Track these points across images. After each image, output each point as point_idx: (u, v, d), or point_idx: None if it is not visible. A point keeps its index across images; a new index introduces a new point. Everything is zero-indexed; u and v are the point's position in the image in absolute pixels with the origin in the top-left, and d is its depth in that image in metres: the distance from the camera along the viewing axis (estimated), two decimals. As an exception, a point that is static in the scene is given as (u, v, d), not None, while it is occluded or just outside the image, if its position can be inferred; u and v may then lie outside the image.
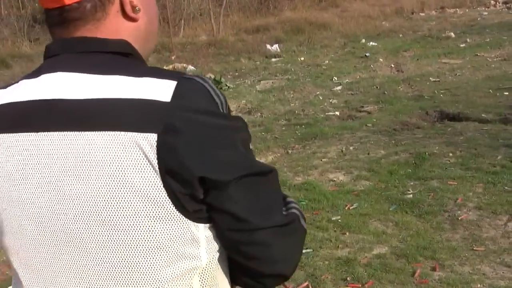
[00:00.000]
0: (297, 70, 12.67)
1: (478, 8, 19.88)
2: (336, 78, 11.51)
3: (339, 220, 5.12)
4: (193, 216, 1.10)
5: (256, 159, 1.19)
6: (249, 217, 1.13)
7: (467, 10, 19.77)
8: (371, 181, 5.99)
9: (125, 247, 1.09)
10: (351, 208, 5.37)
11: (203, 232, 1.13)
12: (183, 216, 1.09)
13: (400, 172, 6.11)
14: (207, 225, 1.14)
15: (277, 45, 15.44)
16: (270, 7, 21.30)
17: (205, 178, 1.07)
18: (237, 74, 13.06)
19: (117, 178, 1.07)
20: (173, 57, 15.60)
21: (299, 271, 4.34)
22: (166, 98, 1.07)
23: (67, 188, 1.10)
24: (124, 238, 1.08)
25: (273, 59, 14.18)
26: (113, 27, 1.20)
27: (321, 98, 10.03)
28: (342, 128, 8.05)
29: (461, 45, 13.70)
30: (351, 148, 7.12)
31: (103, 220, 1.08)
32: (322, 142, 7.51)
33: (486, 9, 19.55)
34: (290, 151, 7.36)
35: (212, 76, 12.01)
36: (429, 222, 4.96)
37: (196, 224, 1.11)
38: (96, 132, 1.07)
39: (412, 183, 5.81)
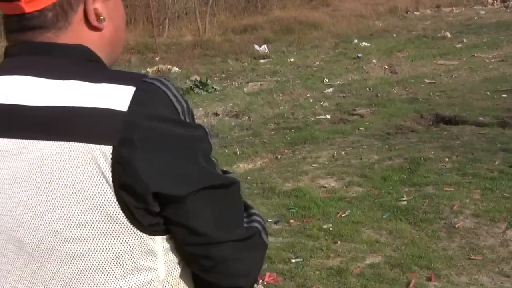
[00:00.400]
0: (286, 72, 12.68)
1: (475, 7, 20.02)
2: (327, 80, 11.53)
3: (331, 228, 5.11)
4: (149, 229, 1.11)
5: (220, 168, 1.20)
6: (207, 231, 1.14)
7: (463, 9, 19.90)
8: (364, 188, 6.00)
9: (78, 260, 1.10)
10: (343, 215, 5.37)
11: (160, 244, 1.14)
12: (137, 230, 1.10)
13: (394, 178, 6.12)
14: (165, 236, 1.15)
15: (265, 46, 15.47)
16: (258, 6, 21.35)
17: (159, 193, 1.08)
18: (224, 76, 13.06)
19: (70, 190, 1.08)
20: (157, 58, 15.59)
21: (289, 281, 4.34)
22: (123, 107, 1.07)
23: (20, 197, 1.11)
24: (77, 251, 1.10)
25: (262, 60, 14.19)
26: (75, 36, 1.20)
27: (311, 100, 10.04)
28: (333, 132, 8.06)
29: (458, 46, 13.78)
30: (343, 153, 7.13)
31: (56, 232, 1.09)
32: (312, 147, 7.51)
33: (484, 8, 19.69)
34: (279, 156, 7.36)
35: (198, 78, 12.00)
36: (424, 230, 4.97)
37: (152, 237, 1.13)
38: (52, 142, 1.08)
39: (406, 190, 5.82)
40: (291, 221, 5.34)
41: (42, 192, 1.09)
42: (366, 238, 4.91)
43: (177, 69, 13.90)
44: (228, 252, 1.17)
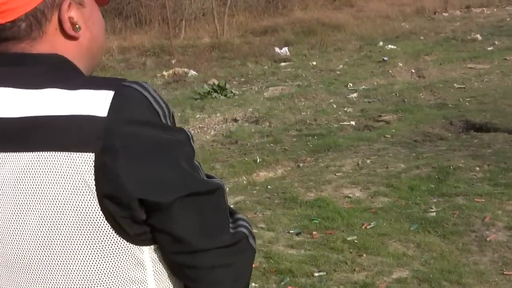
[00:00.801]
0: (308, 76, 12.70)
1: (507, 8, 19.88)
2: (351, 85, 11.52)
3: (355, 241, 5.11)
4: (136, 239, 1.14)
5: (203, 172, 1.23)
6: (192, 240, 1.17)
7: (495, 9, 19.78)
8: (390, 198, 5.99)
9: (66, 274, 1.13)
10: (368, 227, 5.37)
11: (148, 254, 1.17)
12: (124, 240, 1.13)
13: (421, 187, 6.11)
14: (153, 246, 1.18)
15: (286, 48, 15.49)
16: (279, 7, 21.37)
17: (144, 200, 1.10)
18: (243, 79, 13.10)
19: (53, 202, 1.10)
20: (173, 61, 15.68)
21: (311, 296, 4.34)
22: (103, 113, 1.09)
23: (2, 213, 1.14)
24: (64, 264, 1.12)
25: (282, 64, 14.22)
26: (50, 45, 1.22)
27: (335, 106, 10.05)
28: (358, 139, 8.06)
29: (489, 48, 13.70)
30: (368, 161, 7.13)
31: (42, 246, 1.12)
32: (336, 155, 7.51)
33: (516, 8, 19.57)
34: (301, 165, 7.37)
35: (216, 82, 12.05)
36: (454, 243, 4.95)
37: (139, 247, 1.16)
38: (31, 153, 1.10)
39: (435, 200, 5.80)
40: (314, 232, 5.35)
41: (24, 206, 1.11)
42: (393, 251, 4.90)
43: (194, 72, 13.98)
44: (214, 259, 1.20)
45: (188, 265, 1.19)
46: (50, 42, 1.22)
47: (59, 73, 1.18)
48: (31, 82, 1.15)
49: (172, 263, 1.20)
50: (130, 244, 1.14)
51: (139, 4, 20.38)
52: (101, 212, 1.09)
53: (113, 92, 1.12)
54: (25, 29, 1.20)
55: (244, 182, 6.96)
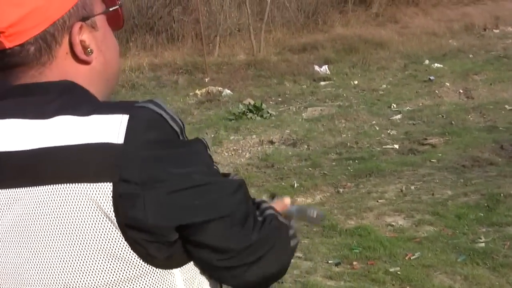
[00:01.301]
0: (349, 96, 12.72)
1: None
2: (395, 105, 11.52)
3: (398, 272, 5.10)
4: (166, 263, 1.17)
5: (220, 173, 1.28)
6: (232, 244, 1.22)
7: (549, 26, 19.60)
8: (436, 227, 5.97)
9: None
10: (412, 258, 5.36)
11: (180, 276, 1.21)
12: (153, 267, 1.16)
13: (470, 216, 6.07)
14: (185, 266, 1.22)
15: (326, 66, 15.52)
16: (319, 22, 21.45)
17: (179, 226, 1.15)
18: (280, 99, 13.17)
19: (72, 237, 1.11)
20: (206, 79, 15.81)
21: (351, 330, 4.34)
22: (119, 139, 1.11)
23: (20, 252, 1.15)
24: None
25: (322, 83, 14.27)
26: (61, 71, 1.24)
27: (377, 128, 10.05)
28: (402, 164, 8.05)
29: (543, 68, 13.58)
30: (412, 187, 7.11)
31: (64, 285, 1.13)
32: (378, 180, 7.52)
33: None
34: (341, 190, 7.38)
35: (252, 102, 12.14)
36: (505, 276, 4.91)
37: (170, 270, 1.19)
38: (44, 186, 1.11)
39: (484, 230, 5.77)
40: (354, 263, 5.36)
41: (43, 244, 1.12)
42: (438, 284, 4.88)
43: (229, 91, 14.08)
44: (258, 250, 1.27)
45: (236, 265, 1.25)
46: (60, 67, 1.23)
47: (69, 100, 1.19)
48: (41, 112, 1.16)
49: (217, 268, 1.25)
50: (160, 270, 1.16)
51: (171, 19, 20.55)
52: (125, 242, 1.11)
53: (128, 115, 1.13)
54: (34, 53, 1.21)
55: (281, 208, 6.98)
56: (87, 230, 1.10)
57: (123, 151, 1.10)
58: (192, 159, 1.18)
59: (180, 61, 17.49)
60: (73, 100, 1.19)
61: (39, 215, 1.12)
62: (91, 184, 1.09)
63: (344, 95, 12.83)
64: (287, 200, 1.64)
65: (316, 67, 15.48)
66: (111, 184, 1.09)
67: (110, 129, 1.12)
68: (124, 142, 1.10)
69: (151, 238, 1.13)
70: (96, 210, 1.10)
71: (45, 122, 1.15)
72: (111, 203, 1.09)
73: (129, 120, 1.12)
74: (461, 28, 19.95)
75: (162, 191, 1.12)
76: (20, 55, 1.21)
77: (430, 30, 19.54)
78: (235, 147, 9.59)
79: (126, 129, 1.11)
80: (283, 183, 7.76)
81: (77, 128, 1.13)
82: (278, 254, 1.33)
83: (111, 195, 1.09)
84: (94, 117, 1.14)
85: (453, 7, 22.82)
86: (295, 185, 7.60)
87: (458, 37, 18.80)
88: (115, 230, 1.10)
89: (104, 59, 1.31)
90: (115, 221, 1.10)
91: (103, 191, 1.09)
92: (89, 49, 1.26)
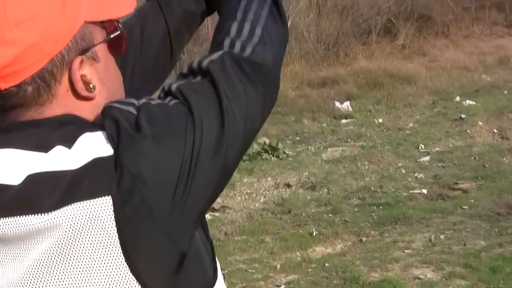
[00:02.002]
0: (373, 135, 12.75)
1: None
2: (423, 146, 11.54)
3: (427, 331, 5.10)
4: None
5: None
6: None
7: None
8: (468, 280, 5.96)
9: None
10: (442, 315, 5.35)
11: None
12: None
13: (505, 269, 6.06)
14: None
15: (348, 103, 15.56)
16: (340, 55, 21.56)
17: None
18: (298, 138, 13.23)
19: (77, 263, 1.15)
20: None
21: None
22: (108, 151, 1.17)
23: (23, 285, 1.17)
24: None
25: (344, 121, 14.31)
26: (62, 110, 1.27)
27: (403, 171, 10.06)
28: (430, 211, 8.05)
29: None
30: (442, 236, 7.11)
31: None
32: (405, 228, 7.52)
33: None
34: (364, 239, 7.39)
35: (267, 141, 12.18)
36: (543, 336, 4.90)
37: None
38: (39, 215, 1.14)
39: (521, 285, 5.76)
40: (379, 319, 5.36)
41: (46, 275, 1.15)
42: None
43: (242, 129, 14.13)
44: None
45: None
46: (61, 106, 1.26)
47: (70, 130, 1.23)
48: (40, 144, 1.19)
49: None
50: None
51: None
52: (126, 265, 1.16)
53: (103, 129, 1.20)
54: (32, 93, 1.23)
55: (298, 258, 6.99)
56: (92, 251, 1.15)
57: (114, 160, 1.16)
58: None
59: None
60: (73, 130, 1.23)
61: (36, 244, 1.15)
62: (88, 201, 1.14)
63: (368, 134, 12.87)
64: None
65: (337, 104, 15.53)
66: (110, 197, 1.14)
67: (97, 144, 1.18)
68: (113, 152, 1.16)
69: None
70: (96, 229, 1.14)
71: (44, 154, 1.19)
72: (113, 217, 1.14)
73: (107, 130, 1.19)
74: (495, 61, 19.99)
75: (169, 197, 1.19)
76: (17, 96, 1.23)
77: (461, 64, 19.57)
78: (248, 191, 9.61)
79: (108, 140, 1.18)
80: (300, 231, 7.77)
81: (70, 154, 1.17)
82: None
83: (112, 209, 1.13)
84: (83, 137, 1.20)
85: (486, 39, 22.86)
86: (314, 233, 7.62)
87: (491, 72, 18.83)
88: (117, 251, 1.15)
89: (108, 93, 1.34)
90: (117, 240, 1.14)
91: (102, 206, 1.13)
92: (91, 85, 1.29)
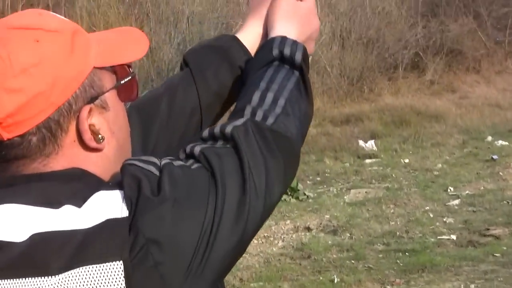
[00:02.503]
0: (399, 176, 12.73)
1: None
2: (452, 189, 11.50)
3: None
4: None
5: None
6: None
7: None
8: (500, 334, 5.94)
9: None
10: None
11: None
12: None
13: (539, 322, 6.04)
14: None
15: (373, 142, 15.54)
16: (365, 90, 21.55)
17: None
18: (319, 179, 13.22)
19: None
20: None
21: None
22: (123, 212, 1.17)
23: None
24: None
25: (368, 160, 14.29)
26: (68, 161, 1.27)
27: (431, 215, 10.03)
28: (460, 258, 8.02)
29: None
30: (472, 286, 7.09)
31: None
32: (432, 277, 7.49)
33: None
34: (388, 287, 7.37)
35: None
36: None
37: None
38: (43, 278, 1.14)
39: None
40: None
41: None
42: None
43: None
44: None
45: None
46: (67, 157, 1.27)
47: (79, 187, 1.23)
48: (47, 200, 1.20)
49: None
50: None
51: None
52: None
53: (122, 191, 1.21)
54: (37, 144, 1.24)
55: (318, 307, 6.99)
56: None
57: (129, 223, 1.16)
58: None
59: (204, 132, 17.65)
60: (83, 188, 1.23)
61: None
62: (98, 265, 1.14)
63: (393, 175, 12.85)
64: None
65: (361, 142, 15.52)
66: (121, 262, 1.14)
67: (111, 205, 1.19)
68: (128, 214, 1.17)
69: None
70: None
71: (52, 211, 1.18)
72: (123, 283, 1.14)
73: (125, 191, 1.20)
74: (530, 99, 19.97)
75: (184, 260, 1.21)
76: (20, 147, 1.24)
77: (493, 101, 19.53)
78: (266, 234, 9.59)
79: (126, 201, 1.18)
80: (321, 278, 7.76)
81: (80, 214, 1.17)
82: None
83: (123, 275, 1.14)
84: (96, 196, 1.20)
85: (520, 75, 22.88)
86: (335, 280, 7.60)
87: (526, 110, 18.81)
88: None
89: (117, 143, 1.35)
90: None
91: (112, 271, 1.14)
92: (100, 136, 1.29)
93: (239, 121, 1.38)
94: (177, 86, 1.76)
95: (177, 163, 1.29)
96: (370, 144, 15.37)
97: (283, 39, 1.62)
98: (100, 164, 1.31)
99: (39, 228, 1.16)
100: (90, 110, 1.28)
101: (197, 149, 1.32)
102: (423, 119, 17.57)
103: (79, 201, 1.19)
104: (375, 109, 18.87)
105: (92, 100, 1.29)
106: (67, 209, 1.18)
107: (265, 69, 1.56)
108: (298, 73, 1.56)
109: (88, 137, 1.28)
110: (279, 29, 1.69)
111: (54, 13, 1.39)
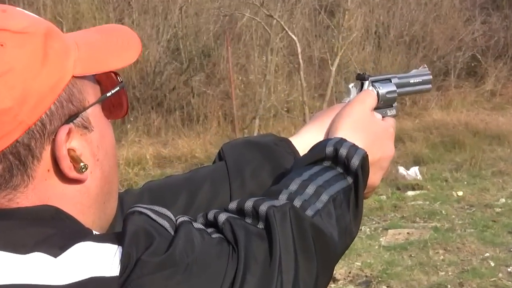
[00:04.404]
0: (451, 213, 12.73)
1: None
2: (519, 230, 11.53)
3: None
4: None
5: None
6: None
7: None
8: None
9: None
10: None
11: None
12: None
13: None
14: None
15: (416, 169, 15.54)
16: (407, 103, 21.56)
17: None
18: (347, 215, 13.22)
19: None
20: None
21: None
22: (113, 270, 1.17)
23: None
24: None
25: (410, 193, 14.28)
26: (39, 196, 1.28)
27: (492, 263, 10.03)
28: (529, 320, 8.03)
29: None
30: None
31: None
32: None
33: None
34: None
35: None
36: None
37: None
38: None
39: None
40: None
41: None
42: None
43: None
44: None
45: None
46: (39, 191, 1.27)
47: (51, 231, 1.22)
48: (13, 242, 1.19)
49: None
50: None
51: (189, 92, 20.91)
52: None
53: (121, 247, 1.19)
54: (1, 174, 1.24)
55: None
56: None
57: (119, 283, 1.15)
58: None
59: (200, 152, 17.62)
60: (57, 232, 1.23)
61: None
62: None
63: (443, 212, 12.85)
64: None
65: (401, 169, 15.50)
66: None
67: (100, 260, 1.18)
68: (119, 273, 1.16)
69: None
70: None
71: (18, 257, 1.17)
72: None
73: (122, 249, 1.19)
74: None
75: None
76: None
77: None
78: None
79: (121, 258, 1.18)
80: None
81: (58, 265, 1.16)
82: None
83: None
84: (79, 246, 1.19)
85: None
86: None
87: None
88: None
89: (102, 173, 1.36)
90: None
91: None
92: (82, 164, 1.29)
93: (278, 202, 1.37)
94: (203, 179, 1.77)
95: (197, 225, 1.29)
96: (414, 172, 15.36)
97: (342, 139, 1.62)
98: (78, 200, 1.31)
99: (2, 279, 1.15)
100: (69, 131, 1.28)
101: (222, 217, 1.32)
102: (481, 141, 17.58)
103: (54, 250, 1.18)
104: (419, 127, 18.89)
105: (71, 118, 1.29)
106: (38, 257, 1.17)
107: (311, 166, 1.56)
108: (351, 181, 1.55)
109: (66, 165, 1.27)
110: (341, 135, 1.70)
111: (22, 9, 1.37)
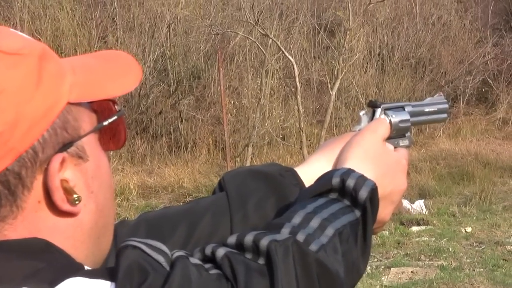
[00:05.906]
0: (458, 251, 12.72)
1: None
2: (532, 270, 11.53)
3: None
4: None
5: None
6: None
7: None
8: None
9: None
10: None
11: None
12: None
13: None
14: None
15: (422, 202, 15.52)
16: (412, 130, 21.51)
17: None
18: (347, 251, 13.22)
19: None
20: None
21: None
22: None
23: None
24: None
25: (415, 228, 14.28)
26: (28, 229, 1.28)
27: (504, 309, 10.05)
28: None
29: None
30: None
31: None
32: None
33: None
34: None
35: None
36: None
37: None
38: None
39: None
40: None
41: None
42: None
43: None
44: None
45: None
46: (28, 223, 1.27)
47: (41, 266, 1.22)
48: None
49: None
50: None
51: (176, 116, 20.94)
52: None
53: (114, 283, 1.20)
54: None
55: None
56: None
57: None
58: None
59: (189, 182, 17.57)
60: (47, 267, 1.22)
61: None
62: None
63: (450, 249, 12.84)
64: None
65: (406, 203, 15.47)
66: None
67: None
68: None
69: None
70: None
71: None
72: None
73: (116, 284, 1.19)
74: None
75: None
76: None
77: None
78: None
79: None
80: None
81: None
82: None
83: None
84: (71, 281, 1.19)
85: None
86: None
87: None
88: None
89: (96, 206, 1.36)
90: None
91: None
92: (75, 196, 1.29)
93: (280, 236, 1.39)
94: (204, 211, 1.79)
95: (194, 261, 1.31)
96: (419, 206, 15.36)
97: (350, 170, 1.65)
98: (71, 234, 1.32)
99: None
100: (63, 161, 1.28)
101: (220, 252, 1.35)
102: (492, 172, 17.56)
103: (44, 285, 1.18)
104: (426, 157, 18.88)
105: (65, 147, 1.30)
106: None
107: (317, 198, 1.59)
108: (359, 214, 1.58)
109: (59, 197, 1.27)
110: (350, 166, 1.72)
111: (14, 30, 1.40)
